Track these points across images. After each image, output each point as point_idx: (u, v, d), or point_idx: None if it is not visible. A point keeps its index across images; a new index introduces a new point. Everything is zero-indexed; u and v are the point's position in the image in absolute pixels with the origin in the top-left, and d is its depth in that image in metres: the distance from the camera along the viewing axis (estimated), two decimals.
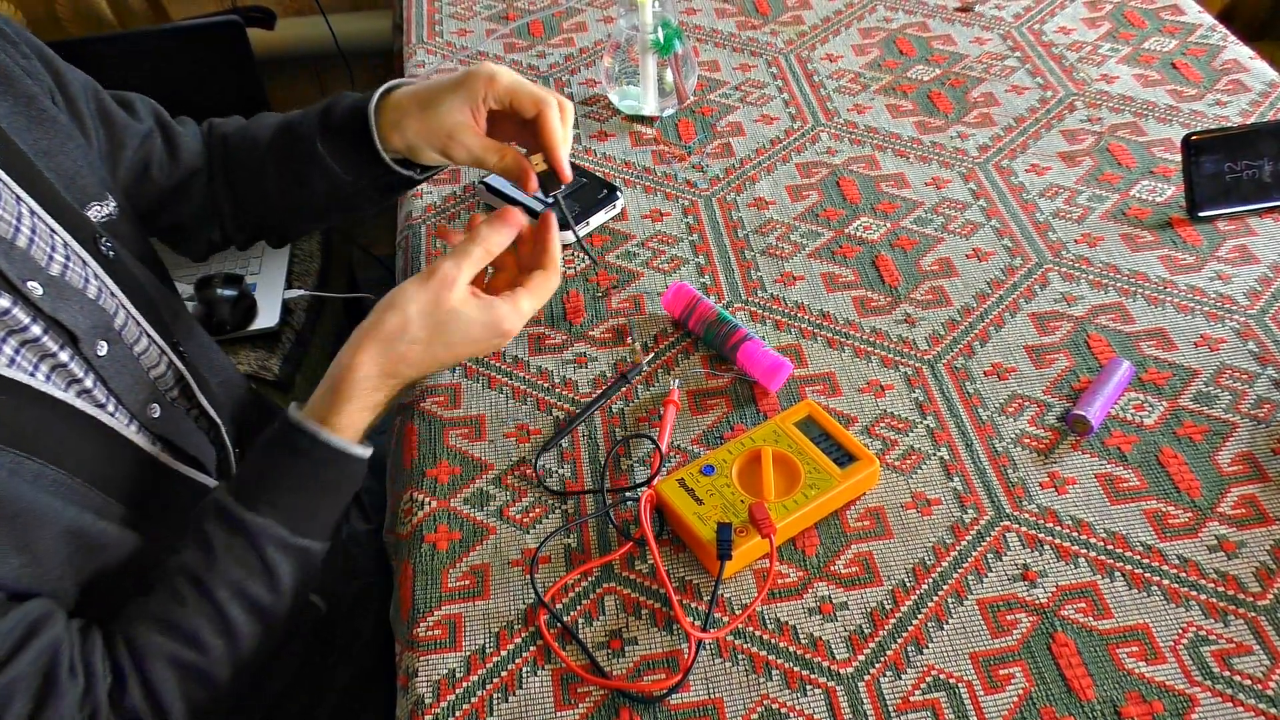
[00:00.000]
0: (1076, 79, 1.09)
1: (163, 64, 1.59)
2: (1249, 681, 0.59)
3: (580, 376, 0.79)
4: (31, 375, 0.60)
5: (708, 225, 0.93)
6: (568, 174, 0.75)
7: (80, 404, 0.63)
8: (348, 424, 0.68)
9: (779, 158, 1.00)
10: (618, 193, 0.93)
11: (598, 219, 0.92)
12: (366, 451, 0.69)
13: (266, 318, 1.35)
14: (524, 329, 0.82)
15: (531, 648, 0.62)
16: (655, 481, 0.69)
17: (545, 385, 0.78)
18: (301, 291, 1.42)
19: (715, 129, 1.04)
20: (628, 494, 0.70)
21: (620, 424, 0.75)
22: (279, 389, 1.33)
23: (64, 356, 0.63)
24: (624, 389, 0.77)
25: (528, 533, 0.69)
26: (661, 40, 1.00)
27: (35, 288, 0.62)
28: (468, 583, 0.66)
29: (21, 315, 0.60)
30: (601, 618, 0.64)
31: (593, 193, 0.93)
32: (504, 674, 0.61)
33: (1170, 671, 0.60)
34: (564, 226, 0.79)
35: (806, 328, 0.83)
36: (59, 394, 0.61)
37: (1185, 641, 0.61)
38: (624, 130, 1.04)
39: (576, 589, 0.65)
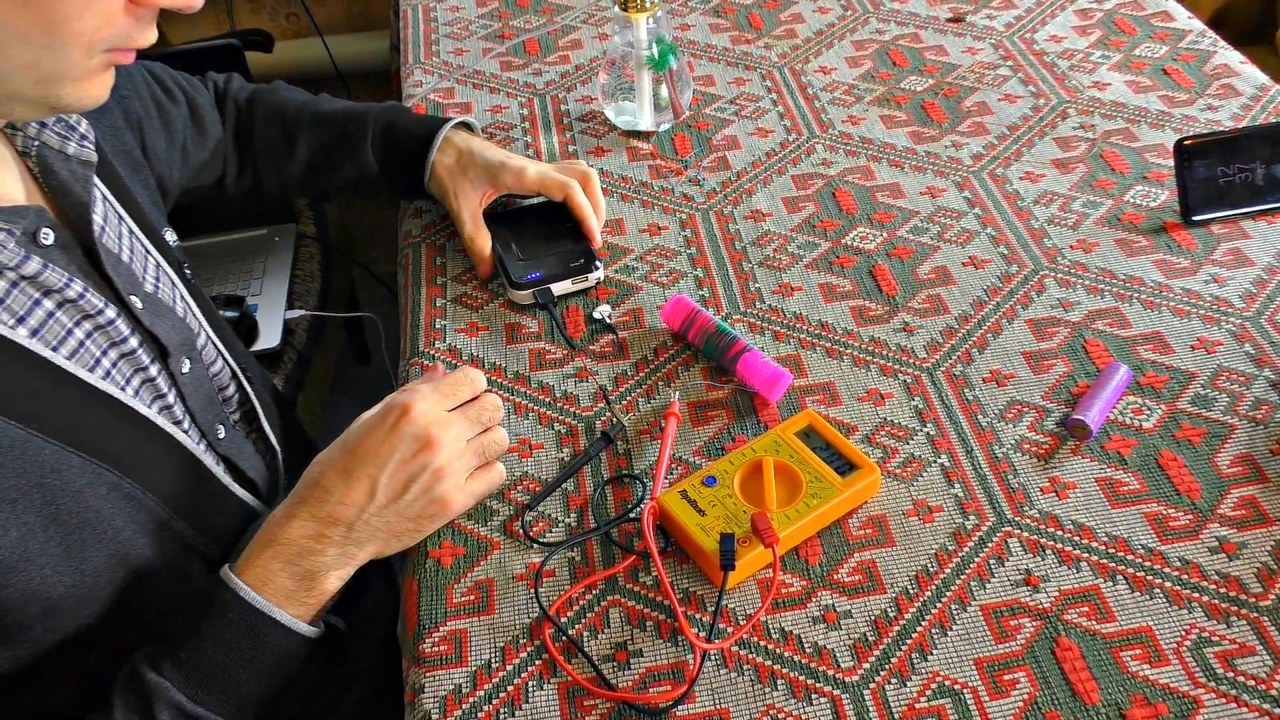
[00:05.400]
0: (1068, 86, 1.10)
1: None
2: (1253, 682, 0.60)
3: (581, 390, 0.79)
4: (123, 389, 0.63)
5: (705, 238, 0.93)
6: (598, 242, 0.90)
7: (161, 420, 0.65)
8: (263, 576, 0.63)
9: (775, 170, 1.01)
10: (595, 264, 0.87)
11: (562, 286, 0.86)
12: (293, 621, 0.62)
13: (268, 338, 1.36)
14: (525, 346, 0.83)
15: (537, 661, 0.63)
16: (658, 493, 0.69)
17: (546, 400, 0.79)
18: (303, 312, 1.42)
19: (711, 143, 1.05)
20: (630, 512, 0.70)
21: (622, 438, 0.76)
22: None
23: (153, 371, 0.65)
24: (605, 447, 0.76)
25: (531, 547, 0.69)
26: (656, 56, 1.01)
27: (136, 301, 0.65)
28: (473, 598, 0.66)
29: (123, 327, 0.63)
30: (606, 630, 0.64)
31: (567, 259, 0.88)
32: (510, 688, 0.62)
33: (1174, 673, 0.60)
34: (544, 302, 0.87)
35: (805, 338, 0.83)
36: (143, 409, 0.64)
37: (1188, 643, 0.62)
38: (620, 146, 1.05)
39: (581, 602, 0.66)
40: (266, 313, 1.40)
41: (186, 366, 0.68)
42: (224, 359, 0.76)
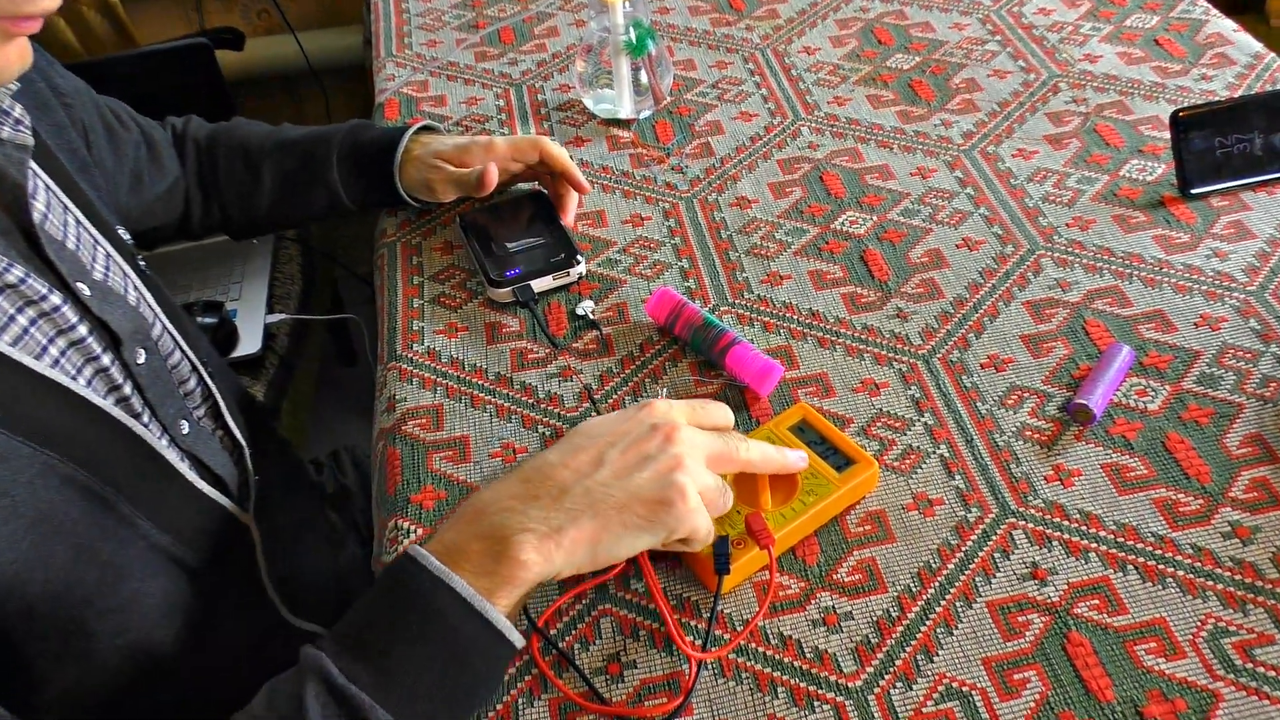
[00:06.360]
0: (1059, 60, 1.07)
1: (131, 90, 1.57)
2: (1273, 673, 0.57)
3: (565, 390, 0.77)
4: (74, 379, 0.60)
5: (690, 227, 0.90)
6: (586, 185, 0.90)
7: (117, 412, 0.62)
8: (443, 538, 0.56)
9: (760, 155, 0.98)
10: (578, 258, 0.85)
11: (543, 283, 0.83)
12: (469, 590, 0.52)
13: (248, 344, 1.33)
14: (506, 345, 0.81)
15: (527, 677, 0.60)
16: None
17: (530, 402, 0.76)
18: (283, 316, 1.39)
19: (693, 129, 1.02)
20: None
21: None
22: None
23: (106, 360, 0.62)
24: None
25: None
26: (634, 41, 0.98)
27: (84, 288, 0.62)
28: None
29: (70, 314, 0.60)
30: (598, 641, 0.61)
31: (547, 254, 0.85)
32: (499, 706, 0.59)
33: (1191, 666, 0.58)
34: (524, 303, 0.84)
35: (796, 328, 0.80)
36: (97, 399, 0.61)
37: (1204, 634, 0.59)
38: (600, 135, 1.02)
39: (571, 613, 0.63)
40: (246, 318, 1.37)
41: (142, 357, 0.65)
42: (182, 351, 0.73)
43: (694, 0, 1.23)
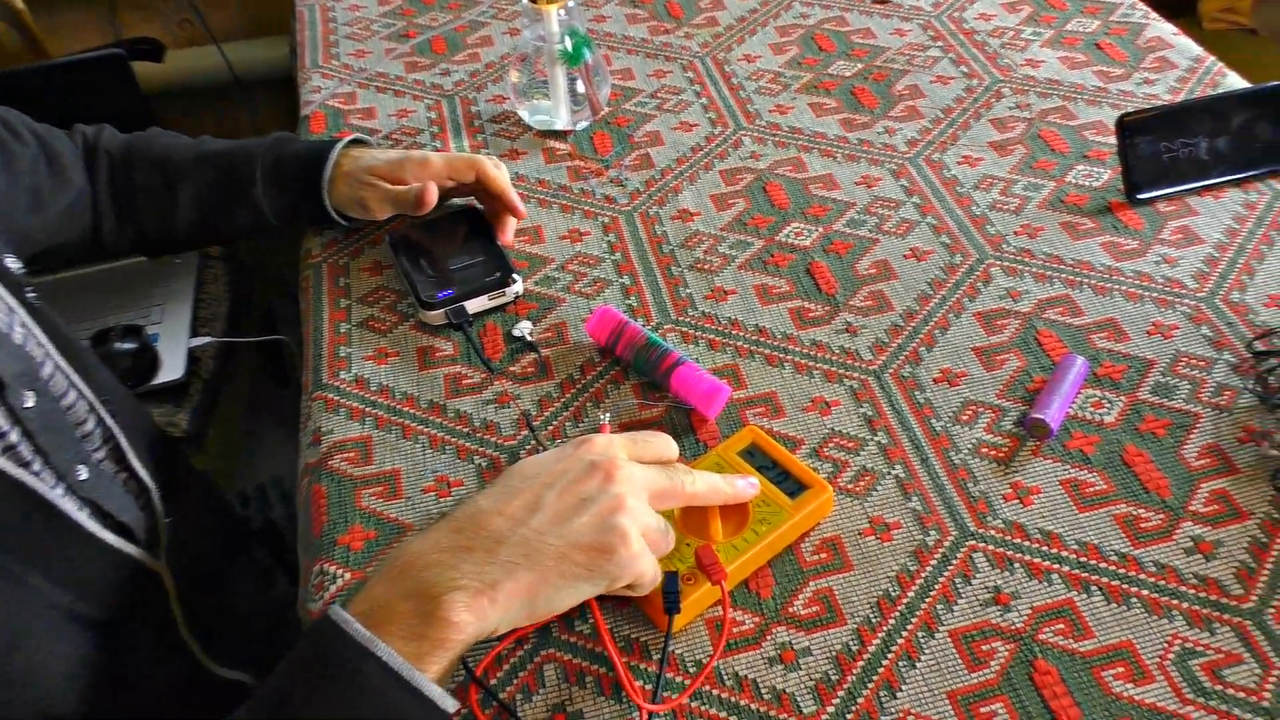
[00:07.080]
0: (1001, 65, 1.06)
1: (41, 104, 1.49)
2: (1243, 694, 0.55)
3: (502, 418, 0.72)
4: None
5: (630, 242, 0.87)
6: (522, 210, 0.86)
7: (3, 463, 0.56)
8: (368, 596, 0.52)
9: (701, 166, 0.95)
10: (514, 277, 0.81)
11: (477, 304, 0.79)
12: (393, 656, 0.48)
13: (171, 369, 1.26)
14: (439, 371, 0.76)
15: None
16: None
17: (465, 431, 0.72)
18: (209, 339, 1.33)
19: (632, 140, 0.99)
20: None
21: None
22: (188, 445, 1.24)
23: None
24: None
25: None
26: (570, 50, 0.94)
27: None
28: None
29: None
30: (541, 690, 0.57)
31: (482, 273, 0.81)
32: None
33: (1160, 691, 0.56)
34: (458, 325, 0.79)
35: (743, 345, 0.77)
36: None
37: (1172, 656, 0.57)
38: (536, 147, 0.98)
39: (511, 659, 0.59)
40: (168, 342, 1.30)
41: (30, 400, 0.60)
42: (78, 391, 0.67)
43: (630, 8, 1.20)
